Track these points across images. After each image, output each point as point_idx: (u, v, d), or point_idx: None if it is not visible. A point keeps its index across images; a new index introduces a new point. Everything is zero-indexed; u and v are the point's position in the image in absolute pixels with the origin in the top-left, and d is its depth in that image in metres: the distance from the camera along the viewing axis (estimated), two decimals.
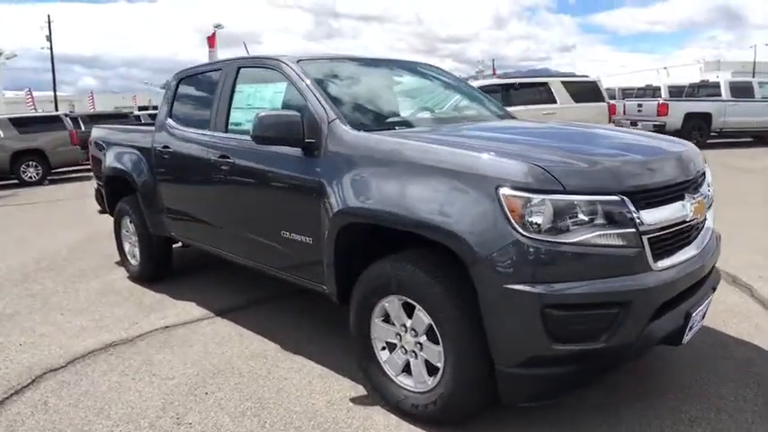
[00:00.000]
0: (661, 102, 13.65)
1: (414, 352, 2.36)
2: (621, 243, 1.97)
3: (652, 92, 18.79)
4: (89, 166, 15.15)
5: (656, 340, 2.13)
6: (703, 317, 2.42)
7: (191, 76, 3.93)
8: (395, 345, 2.46)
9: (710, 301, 2.45)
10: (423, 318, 2.26)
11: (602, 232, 1.95)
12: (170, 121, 3.90)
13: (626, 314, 1.98)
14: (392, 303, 2.38)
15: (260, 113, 2.67)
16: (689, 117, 13.17)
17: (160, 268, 4.51)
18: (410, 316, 2.34)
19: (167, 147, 3.82)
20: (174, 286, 4.39)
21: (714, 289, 2.51)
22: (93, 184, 5.36)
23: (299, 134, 2.65)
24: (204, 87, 3.78)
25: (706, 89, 14.41)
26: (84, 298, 4.27)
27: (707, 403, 2.45)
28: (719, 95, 13.44)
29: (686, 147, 2.53)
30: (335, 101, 2.76)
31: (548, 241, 1.93)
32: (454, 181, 2.08)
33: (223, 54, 31.17)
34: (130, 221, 4.53)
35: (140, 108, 32.55)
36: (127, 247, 4.72)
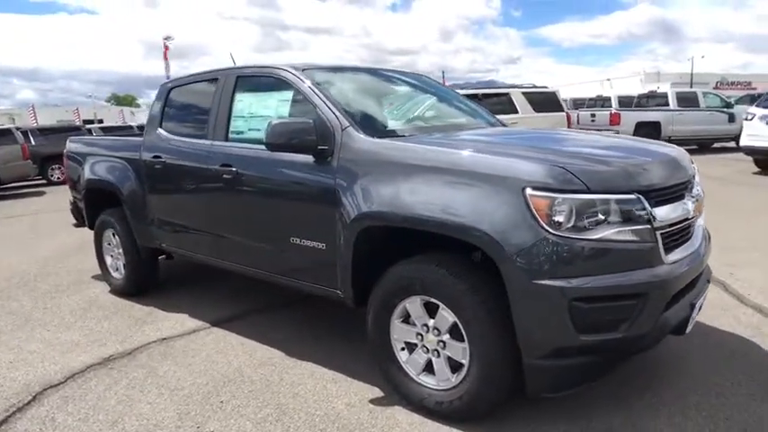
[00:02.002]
0: (613, 112, 14.33)
1: (436, 351, 2.43)
2: (638, 239, 2.11)
3: (602, 102, 19.62)
4: (40, 181, 14.57)
5: (668, 330, 2.28)
6: (700, 308, 2.59)
7: (182, 86, 3.90)
8: (414, 345, 2.52)
9: (707, 292, 2.64)
10: (447, 316, 2.33)
11: (621, 229, 2.09)
12: (161, 131, 3.85)
13: (643, 305, 2.12)
14: (414, 304, 2.44)
15: (273, 121, 2.70)
16: (640, 126, 13.87)
17: (146, 281, 4.41)
18: (432, 316, 2.41)
19: (159, 157, 3.76)
20: (162, 299, 4.30)
21: (708, 281, 2.70)
22: (69, 197, 5.19)
23: (313, 141, 2.69)
24: (198, 97, 3.75)
25: (655, 99, 15.23)
26: (69, 313, 4.12)
27: (706, 389, 2.63)
28: (667, 105, 14.24)
29: (679, 150, 2.72)
30: (345, 108, 2.82)
31: (573, 238, 2.05)
32: (480, 183, 2.18)
33: (176, 66, 30.65)
34: (114, 234, 4.41)
35: (85, 122, 31.47)
36: (108, 260, 4.59)
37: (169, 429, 2.48)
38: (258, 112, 3.20)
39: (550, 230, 2.05)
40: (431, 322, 2.42)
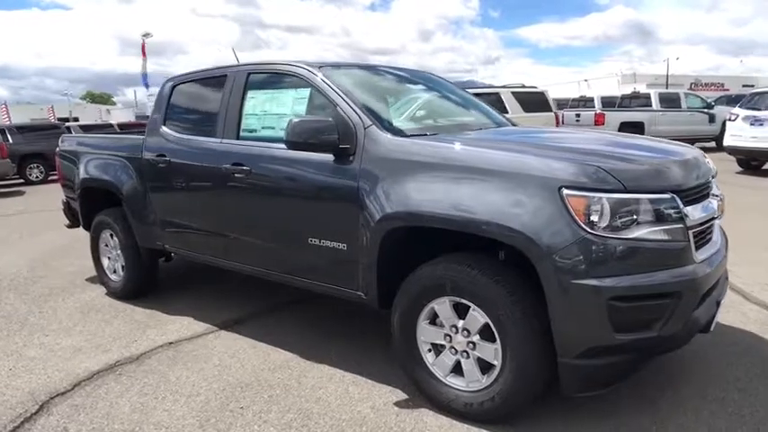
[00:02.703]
0: (598, 112, 14.51)
1: (465, 352, 2.40)
2: (672, 238, 2.11)
3: (584, 102, 19.86)
4: (18, 181, 14.15)
5: (698, 328, 2.28)
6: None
7: (186, 83, 3.79)
8: (442, 346, 2.49)
9: (728, 290, 2.66)
10: (478, 317, 2.30)
11: (656, 228, 2.08)
12: (165, 128, 3.74)
13: (677, 304, 2.12)
14: (443, 305, 2.41)
15: (294, 119, 2.64)
16: (623, 126, 14.06)
17: (146, 283, 4.29)
18: (461, 317, 2.38)
19: (163, 155, 3.66)
20: (163, 302, 4.19)
21: (727, 279, 2.72)
22: (52, 197, 5.03)
23: (335, 140, 2.64)
24: (205, 94, 3.66)
25: (638, 100, 15.49)
26: (66, 317, 3.99)
27: (727, 384, 2.65)
28: (650, 106, 14.49)
29: (698, 150, 2.74)
30: (365, 107, 2.77)
31: (610, 237, 2.03)
32: (516, 183, 2.15)
33: (152, 63, 30.03)
34: (112, 235, 4.28)
35: (60, 120, 30.76)
36: (105, 262, 4.46)
37: None
38: (272, 110, 3.13)
39: (588, 230, 2.03)
40: (460, 323, 2.38)
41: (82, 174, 4.37)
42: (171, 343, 3.45)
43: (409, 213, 2.39)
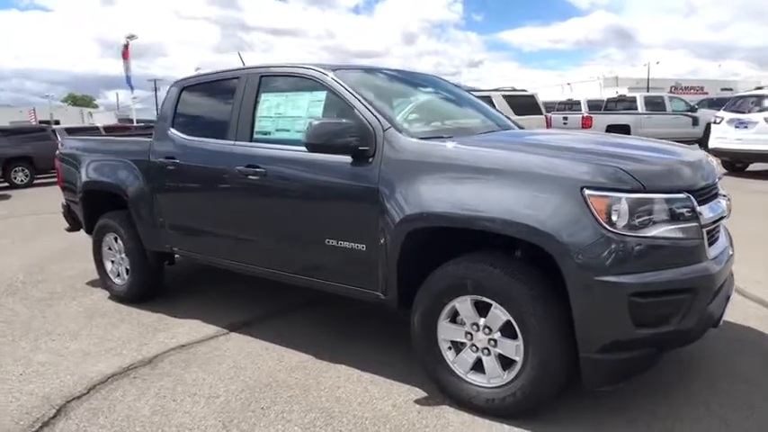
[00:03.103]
0: (585, 115, 14.74)
1: (486, 349, 2.45)
2: (688, 236, 2.19)
3: (570, 106, 20.10)
4: (3, 184, 13.88)
5: (712, 323, 2.36)
6: None
7: (195, 85, 3.80)
8: (461, 344, 2.54)
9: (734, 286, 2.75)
10: (500, 315, 2.36)
11: (674, 226, 2.16)
12: (173, 131, 3.74)
13: (693, 299, 2.20)
14: (464, 303, 2.46)
15: (314, 121, 2.68)
16: (610, 128, 14.30)
17: (152, 286, 4.28)
18: (481, 314, 2.43)
19: (172, 157, 3.66)
20: (168, 305, 4.17)
21: (732, 275, 2.81)
22: (61, 200, 4.97)
23: (354, 142, 2.67)
24: (215, 96, 3.67)
25: (623, 103, 15.78)
26: (71, 321, 3.95)
27: (734, 378, 2.75)
28: (636, 109, 14.77)
29: (702, 152, 2.83)
30: (383, 110, 2.81)
31: (631, 236, 2.11)
32: (538, 184, 2.21)
33: (133, 66, 29.68)
34: (116, 238, 4.26)
35: (42, 122, 30.32)
36: (109, 265, 4.43)
37: None
38: (287, 113, 3.15)
39: (609, 228, 2.10)
40: (481, 321, 2.43)
41: (84, 176, 4.34)
42: (183, 346, 3.45)
43: (433, 214, 2.43)
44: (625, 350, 2.19)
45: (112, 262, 4.41)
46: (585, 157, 2.32)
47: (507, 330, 2.38)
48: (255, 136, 3.25)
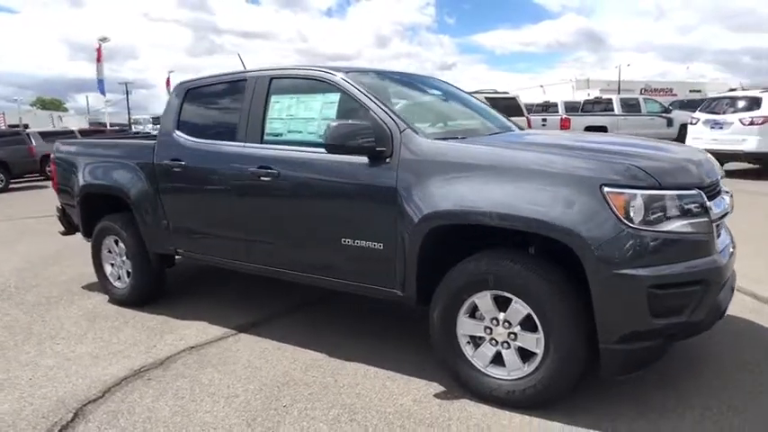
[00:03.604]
0: (563, 117, 15.04)
1: (506, 342, 2.53)
2: (700, 230, 2.30)
3: (547, 108, 20.44)
4: None
5: (720, 313, 2.48)
6: None
7: (200, 87, 3.79)
8: (480, 338, 2.61)
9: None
10: (521, 309, 2.43)
11: (687, 221, 2.27)
12: (178, 133, 3.73)
13: (705, 290, 2.31)
14: (483, 299, 2.53)
15: (332, 123, 2.72)
16: (588, 129, 14.63)
17: (154, 289, 4.25)
18: (501, 309, 2.51)
19: (178, 159, 3.65)
20: (171, 307, 4.15)
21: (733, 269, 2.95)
22: (56, 203, 4.90)
23: (372, 143, 2.72)
24: (222, 98, 3.68)
25: (600, 105, 16.17)
26: (73, 325, 3.90)
27: (739, 368, 2.88)
28: (613, 110, 15.14)
29: (704, 151, 2.96)
30: (398, 111, 2.87)
31: (648, 230, 2.21)
32: (559, 182, 2.30)
33: (106, 68, 29.12)
34: (117, 241, 4.22)
35: (11, 126, 29.55)
36: (108, 269, 4.38)
37: None
38: (299, 114, 3.18)
39: (628, 224, 2.20)
40: (501, 316, 2.51)
41: (83, 179, 4.29)
42: (192, 347, 3.44)
43: (456, 212, 2.50)
44: (642, 340, 2.29)
45: (112, 265, 4.36)
46: (602, 155, 2.42)
47: (526, 324, 2.46)
48: (266, 138, 3.27)
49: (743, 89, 13.27)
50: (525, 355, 2.50)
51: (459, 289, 2.57)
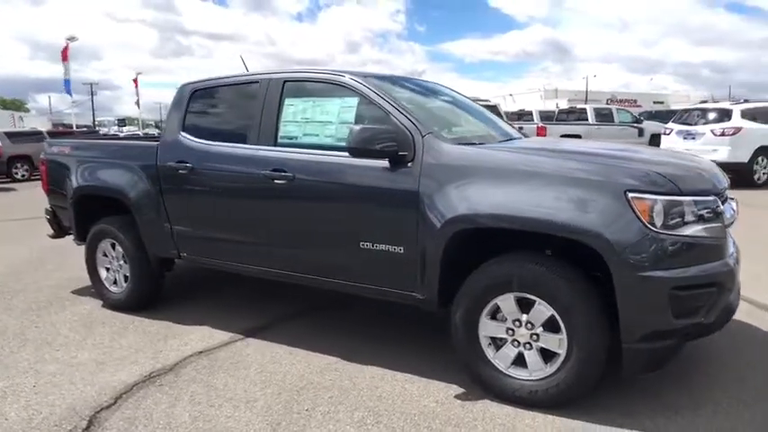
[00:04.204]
0: (539, 125, 15.37)
1: (528, 343, 2.58)
2: (715, 234, 2.42)
3: (520, 116, 20.79)
4: None
5: (731, 314, 2.60)
6: None
7: (206, 89, 3.74)
8: (501, 340, 2.66)
9: None
10: (544, 310, 2.49)
11: (705, 226, 2.38)
12: (184, 135, 3.68)
13: (719, 292, 2.42)
14: (506, 301, 2.58)
15: (356, 127, 2.74)
16: (563, 137, 14.99)
17: (153, 293, 4.16)
18: (523, 311, 2.56)
19: (184, 161, 3.60)
20: (170, 312, 4.07)
21: None
22: (46, 205, 4.75)
23: (394, 146, 2.75)
24: (232, 101, 3.65)
25: (574, 114, 16.59)
26: (69, 331, 3.79)
27: (742, 366, 3.01)
28: (587, 120, 15.56)
29: (710, 161, 3.10)
30: (419, 116, 2.91)
31: (670, 234, 2.30)
32: (584, 188, 2.38)
33: (71, 67, 28.27)
34: (113, 244, 4.12)
35: None
36: (103, 273, 4.27)
37: None
38: (315, 118, 3.18)
39: (652, 228, 2.29)
40: (524, 317, 2.56)
41: (78, 181, 4.18)
42: (200, 352, 3.39)
43: (483, 216, 2.54)
44: (662, 339, 2.38)
45: (107, 269, 4.26)
46: (624, 162, 2.51)
47: (548, 325, 2.52)
48: (280, 140, 3.26)
49: (714, 101, 13.83)
50: (547, 355, 2.56)
51: (482, 291, 2.61)
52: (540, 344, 2.55)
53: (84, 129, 29.01)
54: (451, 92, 4.01)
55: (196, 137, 3.62)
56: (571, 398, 2.52)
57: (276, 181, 3.17)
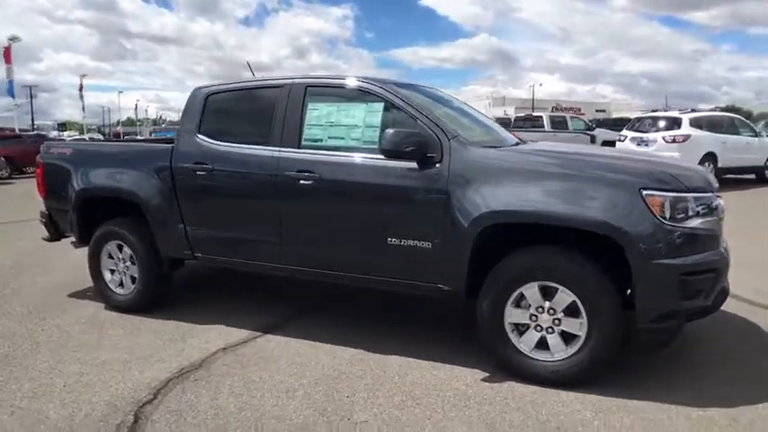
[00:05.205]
0: None
1: (550, 328, 2.85)
2: (714, 226, 2.77)
3: None
4: None
5: (725, 297, 2.95)
6: None
7: (222, 93, 3.83)
8: (524, 325, 2.91)
9: None
10: (565, 297, 2.77)
11: (705, 219, 2.72)
12: (201, 137, 3.75)
13: (716, 277, 2.77)
14: (531, 289, 2.84)
15: (389, 130, 2.96)
16: None
17: (162, 294, 4.19)
18: (546, 298, 2.83)
19: (202, 163, 3.68)
20: (176, 312, 4.08)
21: None
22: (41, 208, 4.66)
23: (423, 149, 2.97)
24: (251, 105, 3.76)
25: (530, 122, 17.33)
26: (80, 333, 3.77)
27: (745, 353, 3.39)
28: (543, 127, 16.30)
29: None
30: (443, 121, 3.14)
31: (679, 227, 2.63)
32: (603, 186, 2.68)
33: (5, 69, 26.89)
34: (120, 246, 4.13)
35: None
36: (108, 275, 4.25)
37: (321, 424, 2.56)
38: (340, 122, 3.35)
39: (663, 221, 2.60)
40: (546, 304, 2.83)
41: (82, 183, 4.16)
42: (224, 349, 3.47)
43: (513, 212, 2.80)
44: (671, 319, 2.70)
45: (112, 271, 4.24)
46: (635, 163, 2.83)
47: (570, 310, 2.79)
48: (304, 143, 3.40)
49: (665, 111, 14.82)
50: (567, 338, 2.83)
51: (508, 281, 2.86)
52: (562, 327, 2.82)
53: (35, 133, 27.45)
54: (457, 101, 4.26)
55: (215, 139, 3.71)
56: (591, 375, 2.80)
57: (302, 182, 3.31)
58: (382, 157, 3.11)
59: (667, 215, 2.62)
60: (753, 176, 11.15)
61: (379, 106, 3.26)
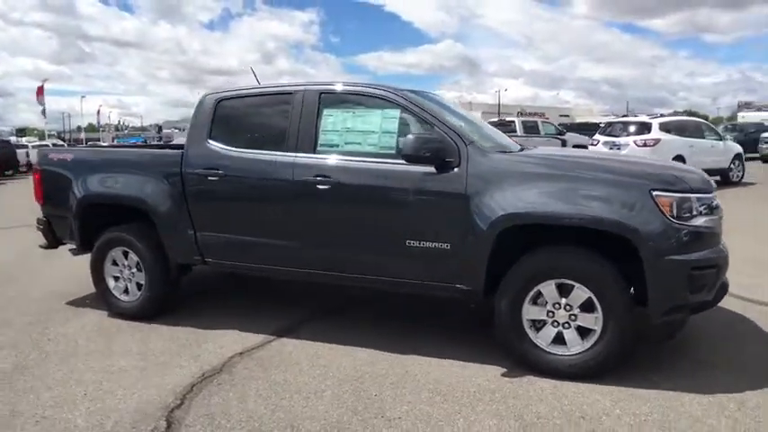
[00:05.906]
0: None
1: (567, 323, 2.99)
2: (716, 225, 2.97)
3: None
4: None
5: (725, 292, 3.15)
6: None
7: (233, 99, 3.85)
8: (541, 322, 3.05)
9: None
10: (582, 294, 2.92)
11: (709, 218, 2.92)
12: (212, 143, 3.77)
13: (718, 272, 2.97)
14: (548, 287, 2.98)
15: (410, 136, 3.06)
16: None
17: (170, 300, 4.18)
18: (562, 295, 2.97)
19: (214, 168, 3.70)
20: (182, 318, 4.07)
21: None
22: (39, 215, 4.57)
23: (442, 154, 3.09)
24: (262, 110, 3.80)
25: (503, 126, 17.67)
26: (88, 341, 3.73)
27: (732, 342, 3.60)
28: (515, 131, 16.68)
29: None
30: (459, 127, 3.27)
31: (687, 225, 2.82)
32: (616, 188, 2.85)
33: None
34: (127, 253, 4.09)
35: None
36: (112, 282, 4.21)
37: (356, 422, 2.63)
38: (356, 127, 3.43)
39: (673, 220, 2.78)
40: (563, 300, 2.97)
41: (84, 190, 4.11)
42: (241, 353, 3.49)
43: (532, 214, 2.93)
44: (679, 312, 2.88)
45: (116, 278, 4.20)
46: (643, 167, 3.01)
47: (585, 306, 2.94)
48: (319, 148, 3.47)
49: (635, 115, 15.41)
50: (583, 332, 2.98)
51: (527, 280, 2.99)
52: (578, 323, 2.97)
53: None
54: (460, 108, 4.40)
55: (227, 145, 3.73)
56: (606, 367, 2.95)
57: (319, 186, 3.38)
58: (399, 161, 3.21)
59: (675, 214, 2.80)
60: (718, 178, 11.72)
61: (395, 113, 3.35)
